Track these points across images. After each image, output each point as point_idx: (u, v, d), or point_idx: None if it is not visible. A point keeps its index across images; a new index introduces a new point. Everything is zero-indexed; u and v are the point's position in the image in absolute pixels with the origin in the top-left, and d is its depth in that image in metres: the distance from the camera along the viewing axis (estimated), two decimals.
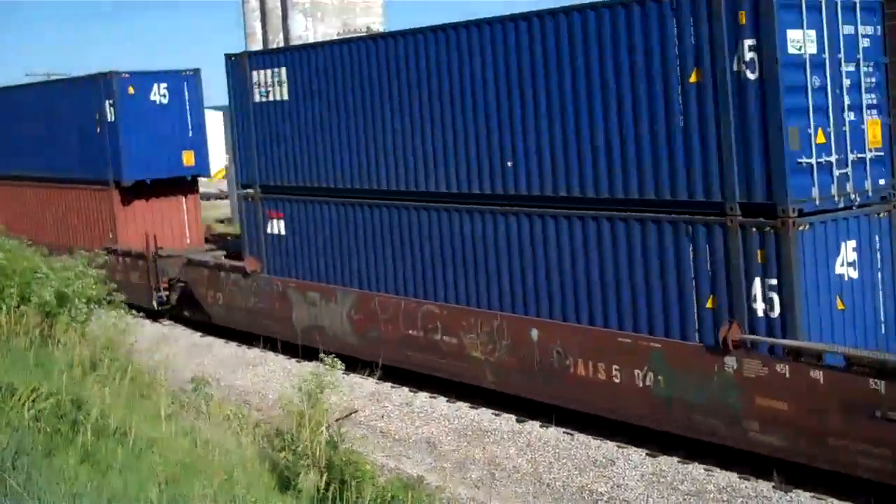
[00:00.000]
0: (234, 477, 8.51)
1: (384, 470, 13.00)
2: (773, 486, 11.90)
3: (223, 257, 22.03)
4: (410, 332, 16.50)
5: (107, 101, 23.94)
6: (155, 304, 22.70)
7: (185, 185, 25.19)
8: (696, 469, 12.71)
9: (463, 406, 15.88)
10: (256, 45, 64.77)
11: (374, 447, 13.88)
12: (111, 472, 7.71)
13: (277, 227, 19.20)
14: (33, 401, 8.58)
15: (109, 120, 23.97)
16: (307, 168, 18.37)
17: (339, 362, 11.34)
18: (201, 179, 27.94)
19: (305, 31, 63.45)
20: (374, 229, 17.16)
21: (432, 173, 15.97)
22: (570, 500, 12.57)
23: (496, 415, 15.35)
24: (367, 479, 10.09)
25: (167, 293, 22.66)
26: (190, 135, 24.63)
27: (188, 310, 22.44)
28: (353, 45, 17.32)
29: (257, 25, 67.31)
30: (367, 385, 16.94)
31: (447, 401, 16.20)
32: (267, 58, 19.44)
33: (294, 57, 18.57)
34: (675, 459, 13.04)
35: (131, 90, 23.89)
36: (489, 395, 15.66)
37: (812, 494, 11.68)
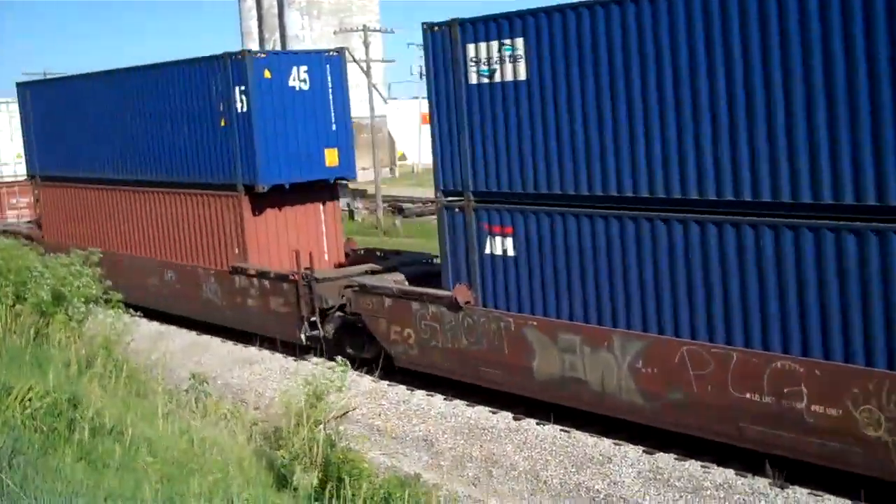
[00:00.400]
0: (230, 475, 8.52)
1: (381, 468, 13.01)
2: (770, 483, 11.92)
3: (406, 282, 17.57)
4: (748, 396, 11.95)
5: (237, 88, 19.41)
6: (303, 337, 18.65)
7: (324, 190, 20.82)
8: (693, 466, 12.73)
9: (460, 404, 15.89)
10: (253, 44, 64.93)
11: (371, 445, 13.88)
12: (107, 470, 7.72)
13: (502, 245, 14.66)
14: (29, 399, 8.58)
15: (240, 110, 19.44)
16: (557, 169, 13.75)
17: (347, 363, 11.34)
18: None
19: (302, 29, 63.49)
20: (675, 253, 12.50)
21: (785, 176, 11.33)
22: (568, 497, 12.58)
23: (493, 412, 15.35)
24: (364, 477, 10.09)
25: (320, 324, 18.45)
26: (333, 128, 20.23)
27: (353, 347, 18.17)
28: (646, 2, 12.36)
29: (253, 24, 67.33)
30: (363, 383, 16.95)
31: (444, 398, 16.21)
32: (493, 26, 14.32)
33: (539, 23, 13.72)
34: (672, 456, 13.06)
35: (268, 74, 19.42)
36: (486, 393, 15.66)
37: (808, 491, 11.70)
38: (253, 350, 20.18)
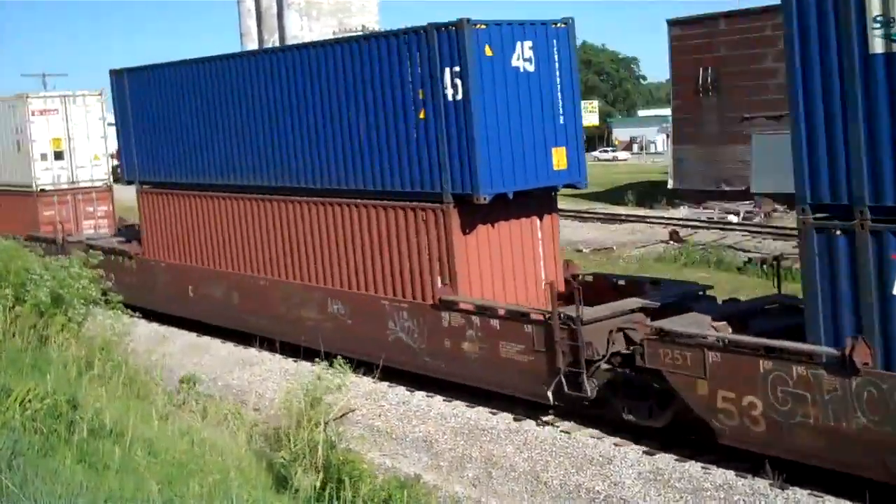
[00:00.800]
0: (230, 476, 8.52)
1: (381, 469, 13.02)
2: (770, 484, 11.91)
3: (728, 327, 12.94)
4: None
5: (447, 70, 15.18)
6: (550, 395, 14.28)
7: (542, 199, 16.44)
8: (694, 467, 12.73)
9: (460, 405, 15.88)
10: (252, 45, 64.95)
11: (370, 446, 13.89)
12: (107, 472, 7.72)
13: None
14: (29, 401, 8.59)
15: (451, 98, 15.23)
16: None
17: (347, 365, 11.34)
18: None
19: (301, 30, 63.48)
20: None
21: None
22: (568, 498, 12.58)
23: (493, 413, 15.34)
24: (364, 479, 10.11)
25: (586, 380, 13.82)
26: (561, 121, 16.01)
27: (633, 411, 13.72)
28: None
29: (252, 25, 67.33)
30: (363, 384, 16.92)
31: (444, 399, 16.20)
32: None
33: None
34: (673, 457, 13.05)
35: (489, 51, 15.15)
36: (487, 394, 15.66)
37: (809, 492, 11.69)
38: (253, 351, 20.17)
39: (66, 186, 29.39)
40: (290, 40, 62.42)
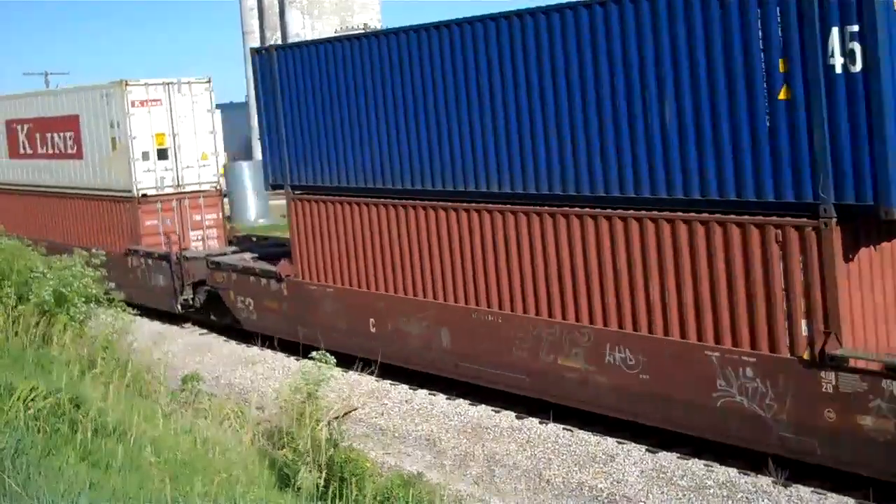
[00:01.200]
0: (233, 475, 8.53)
1: (384, 467, 13.02)
2: (773, 482, 11.91)
3: None
4: None
5: (835, 29, 10.80)
6: None
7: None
8: (696, 464, 12.72)
9: (462, 403, 15.88)
10: (254, 43, 64.94)
11: (373, 444, 13.91)
12: (111, 470, 7.73)
13: None
14: (32, 400, 8.61)
15: (842, 69, 10.87)
16: None
17: (332, 358, 11.34)
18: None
19: (303, 28, 63.49)
20: None
21: None
22: (570, 496, 12.58)
23: (495, 412, 15.34)
24: (368, 477, 10.11)
25: None
26: None
27: None
28: None
29: (255, 24, 67.36)
30: (365, 382, 16.94)
31: (446, 398, 16.20)
32: None
33: None
34: (675, 455, 13.04)
35: None
36: (488, 392, 15.66)
37: (812, 489, 11.68)
38: (255, 350, 20.18)
39: (170, 191, 24.31)
40: (292, 39, 62.49)
